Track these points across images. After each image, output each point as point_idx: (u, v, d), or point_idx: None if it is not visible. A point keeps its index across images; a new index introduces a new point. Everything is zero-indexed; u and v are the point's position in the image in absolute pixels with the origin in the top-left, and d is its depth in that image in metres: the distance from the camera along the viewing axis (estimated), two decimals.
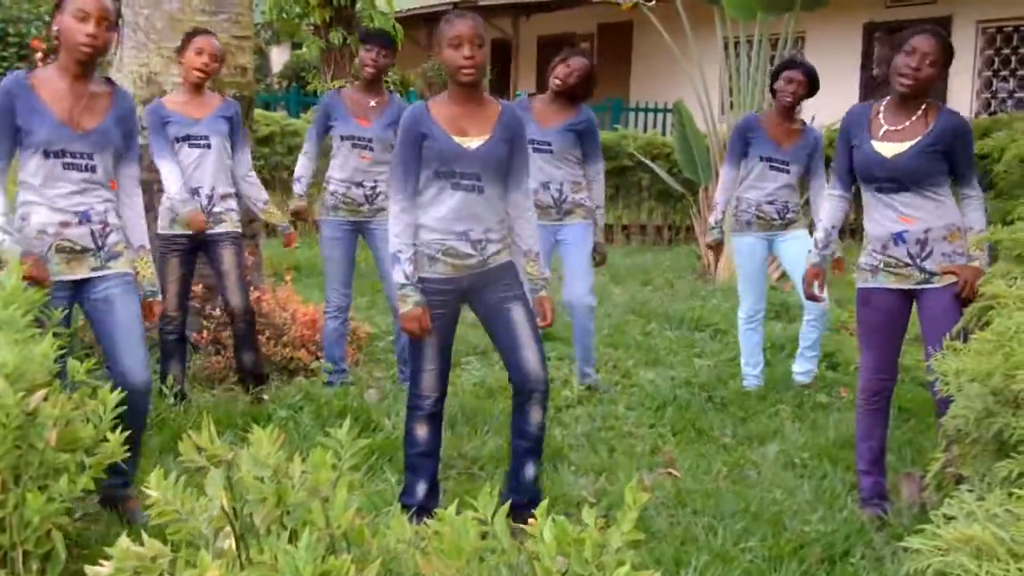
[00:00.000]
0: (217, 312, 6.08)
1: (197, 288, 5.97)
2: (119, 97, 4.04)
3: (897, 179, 4.21)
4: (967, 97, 14.20)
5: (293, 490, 1.89)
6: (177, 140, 5.43)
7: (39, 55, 10.52)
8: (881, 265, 4.32)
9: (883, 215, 4.29)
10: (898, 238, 4.25)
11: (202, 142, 5.45)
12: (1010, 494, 1.88)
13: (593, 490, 4.59)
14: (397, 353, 6.20)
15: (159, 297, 4.29)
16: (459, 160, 3.94)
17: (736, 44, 10.29)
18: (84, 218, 3.94)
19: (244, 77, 6.44)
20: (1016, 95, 14.37)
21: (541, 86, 20.94)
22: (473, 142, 3.97)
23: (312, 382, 6.00)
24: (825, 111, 9.62)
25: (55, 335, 2.95)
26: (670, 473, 4.84)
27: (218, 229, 5.53)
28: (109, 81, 4.08)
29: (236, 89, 6.25)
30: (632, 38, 19.45)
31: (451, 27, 3.90)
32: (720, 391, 6.17)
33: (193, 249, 5.56)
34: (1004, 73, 14.47)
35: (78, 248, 3.95)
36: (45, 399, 2.59)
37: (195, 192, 5.45)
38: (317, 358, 6.32)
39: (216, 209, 5.51)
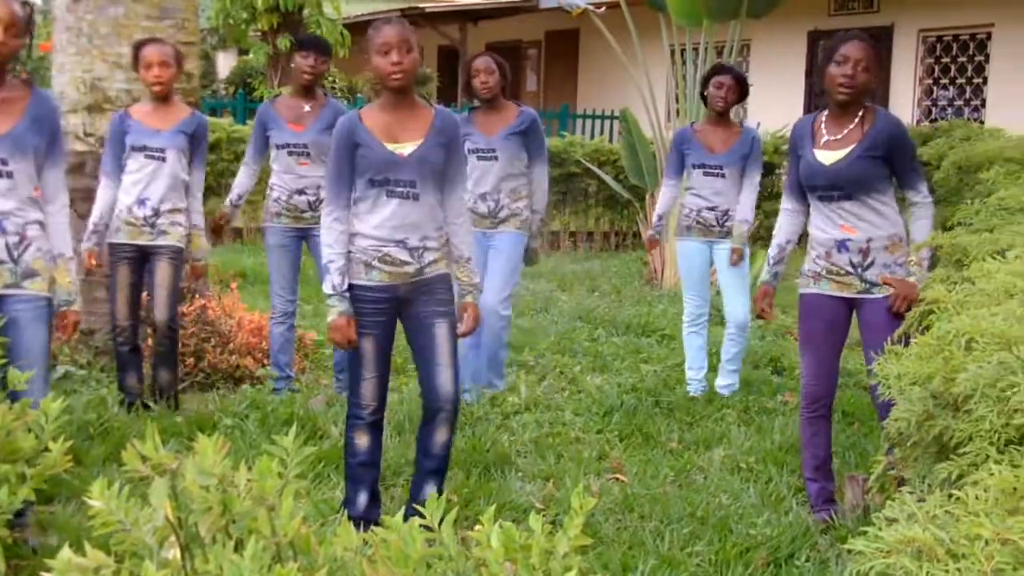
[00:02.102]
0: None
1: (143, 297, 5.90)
2: (37, 99, 3.90)
3: (838, 186, 4.24)
4: (908, 105, 14.39)
5: (239, 499, 1.87)
6: (134, 149, 5.39)
7: None
8: (824, 272, 4.35)
9: (826, 223, 4.33)
10: (841, 246, 4.28)
11: (157, 155, 5.41)
12: (950, 495, 1.91)
13: (540, 496, 4.60)
14: (335, 363, 6.17)
15: (75, 307, 4.10)
16: (393, 167, 3.93)
17: (682, 51, 10.36)
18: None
19: (190, 83, 6.39)
20: (956, 103, 14.59)
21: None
22: (406, 148, 3.95)
23: (258, 390, 5.96)
24: (770, 118, 9.77)
25: None
26: (617, 478, 4.86)
27: (160, 241, 5.47)
28: (27, 83, 3.94)
29: (182, 95, 6.19)
30: (579, 45, 19.53)
31: (378, 34, 3.90)
32: (667, 396, 6.21)
33: (142, 258, 5.51)
34: (944, 81, 14.68)
35: None
36: None
37: (141, 203, 5.40)
38: (263, 365, 6.28)
39: (160, 221, 5.45)
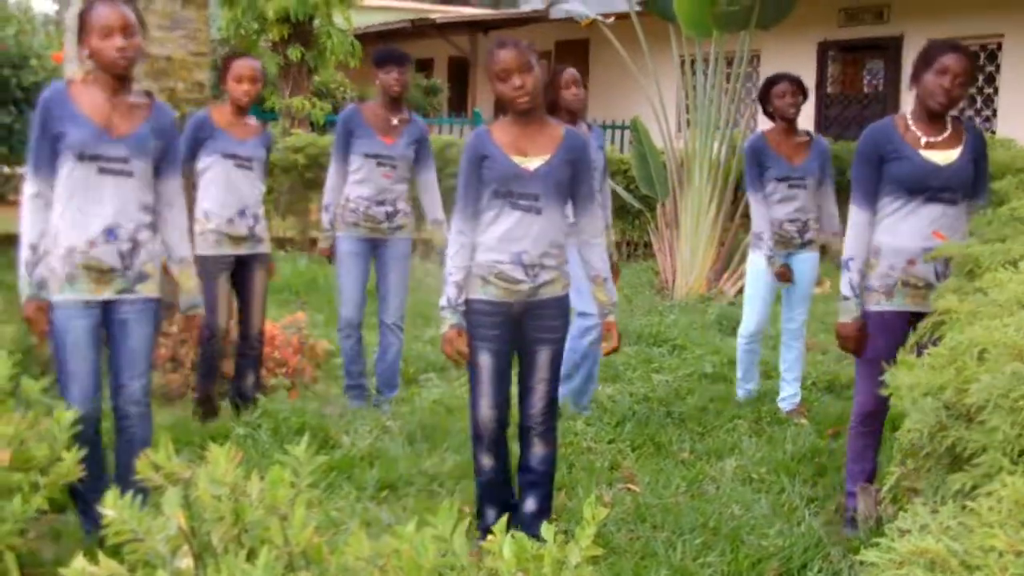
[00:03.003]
0: (175, 329, 6.02)
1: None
2: (158, 109, 4.01)
3: (953, 187, 4.17)
4: None
5: (251, 508, 1.88)
6: (224, 155, 5.47)
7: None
8: (899, 284, 4.21)
9: (914, 228, 4.19)
10: (927, 253, 4.13)
11: (247, 164, 5.51)
12: (963, 507, 1.90)
13: (552, 506, 4.59)
14: (377, 373, 6.14)
15: (199, 310, 4.26)
16: (517, 180, 3.92)
17: (692, 62, 10.37)
18: (111, 236, 3.88)
19: (201, 93, 6.41)
20: (966, 113, 14.57)
21: (500, 104, 21.04)
22: (532, 163, 3.94)
23: (271, 399, 5.96)
24: None
25: (10, 354, 2.92)
26: (629, 488, 4.85)
27: (259, 250, 5.62)
28: (148, 95, 4.05)
29: (194, 105, 6.22)
30: (589, 56, 19.55)
31: (495, 60, 3.89)
32: (678, 406, 6.20)
33: (239, 266, 5.64)
34: None
35: (104, 267, 3.87)
36: None
37: (242, 212, 5.52)
38: (276, 375, 6.28)
39: (258, 230, 5.59)
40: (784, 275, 6.03)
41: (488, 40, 21.07)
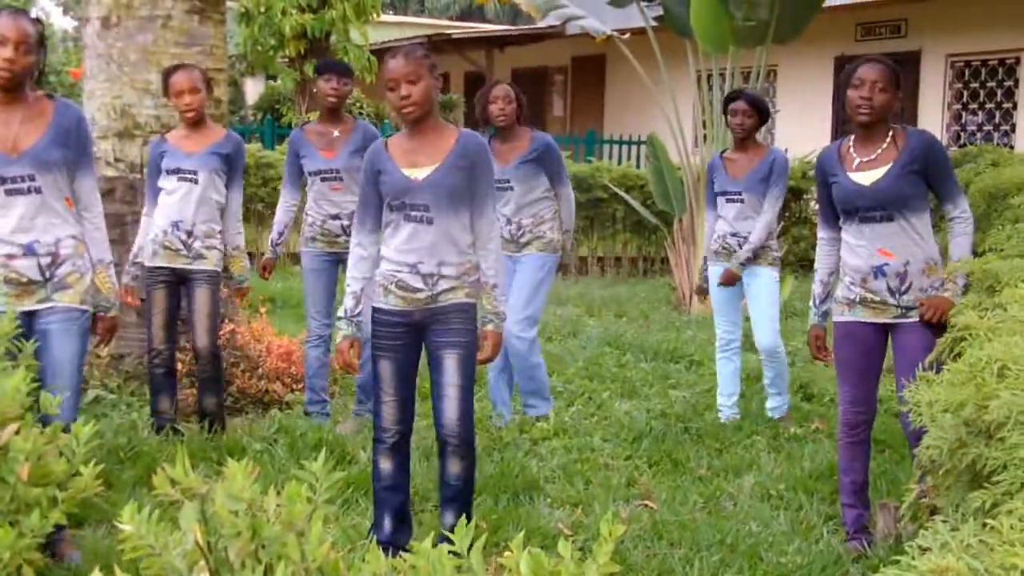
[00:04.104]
0: (189, 345, 6.04)
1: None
2: (59, 111, 3.95)
3: (881, 205, 4.22)
4: (937, 130, 14.35)
5: (268, 524, 1.87)
6: (168, 172, 5.44)
7: None
8: (858, 299, 4.33)
9: (862, 249, 4.30)
10: (878, 272, 4.26)
11: (190, 176, 5.45)
12: (984, 524, 1.89)
13: (569, 522, 4.58)
14: (357, 383, 6.16)
15: (112, 313, 4.18)
16: (408, 192, 3.97)
17: (709, 77, 10.37)
18: (29, 250, 3.86)
19: (218, 109, 6.44)
20: (984, 128, 14.53)
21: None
22: (421, 172, 3.97)
23: (287, 415, 5.97)
24: (797, 144, 9.73)
25: (27, 368, 2.93)
26: (646, 505, 4.84)
27: (196, 266, 5.51)
28: (50, 97, 4.00)
29: (211, 121, 6.24)
30: (605, 71, 19.60)
31: (385, 69, 3.95)
32: (696, 422, 6.18)
33: (178, 282, 5.56)
34: (973, 106, 14.64)
35: (24, 280, 3.87)
36: (17, 433, 2.57)
37: (175, 225, 5.44)
38: (292, 390, 6.29)
39: (196, 245, 5.49)
40: (700, 290, 6.43)
41: (504, 56, 21.15)
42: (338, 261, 5.96)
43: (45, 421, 3.51)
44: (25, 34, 3.78)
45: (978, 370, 2.52)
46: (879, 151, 4.26)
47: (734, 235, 6.11)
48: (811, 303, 4.62)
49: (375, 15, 16.64)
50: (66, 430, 3.83)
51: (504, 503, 4.76)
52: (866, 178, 4.25)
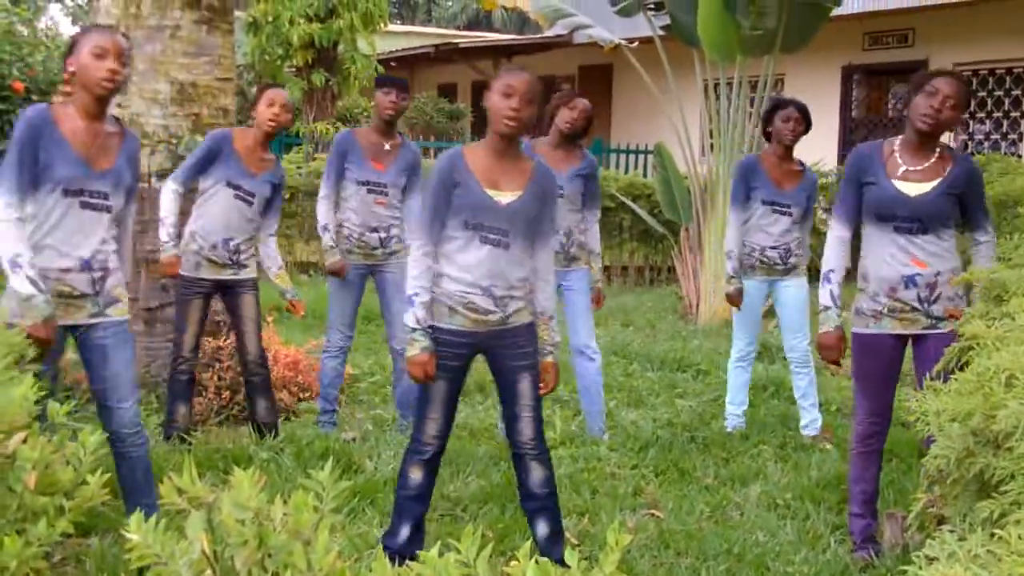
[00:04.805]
0: (200, 355, 6.05)
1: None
2: (128, 137, 4.08)
3: (919, 219, 4.19)
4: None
5: (274, 533, 1.87)
6: (227, 183, 5.45)
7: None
8: (886, 310, 4.27)
9: (895, 257, 4.25)
10: (910, 281, 4.21)
11: (247, 197, 5.49)
12: (992, 535, 1.88)
13: (576, 531, 4.58)
14: (396, 397, 6.15)
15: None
16: (489, 214, 3.89)
17: (716, 86, 10.38)
18: (86, 265, 3.94)
19: (226, 119, 6.46)
20: (992, 137, 14.51)
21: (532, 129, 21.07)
22: (505, 197, 3.92)
23: (294, 424, 5.97)
24: (805, 152, 9.67)
25: (35, 376, 2.93)
26: (653, 514, 4.83)
27: (242, 275, 5.58)
28: (117, 120, 4.11)
29: None
30: (613, 80, 19.61)
31: (508, 76, 3.88)
32: (702, 432, 6.17)
33: (212, 294, 5.60)
34: (981, 115, 14.62)
35: (76, 294, 3.94)
36: (24, 441, 2.57)
37: (226, 242, 5.49)
38: (299, 399, 6.29)
39: (242, 257, 5.56)
40: (732, 298, 6.10)
41: (512, 65, 21.17)
42: (369, 273, 5.96)
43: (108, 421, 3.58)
44: (122, 48, 3.88)
45: (986, 379, 2.52)
46: (927, 164, 4.23)
47: (774, 248, 6.04)
48: (828, 305, 4.40)
49: (382, 25, 16.64)
50: (135, 436, 4.05)
51: (511, 512, 4.76)
52: (911, 189, 4.20)
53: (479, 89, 21.83)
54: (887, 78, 16.01)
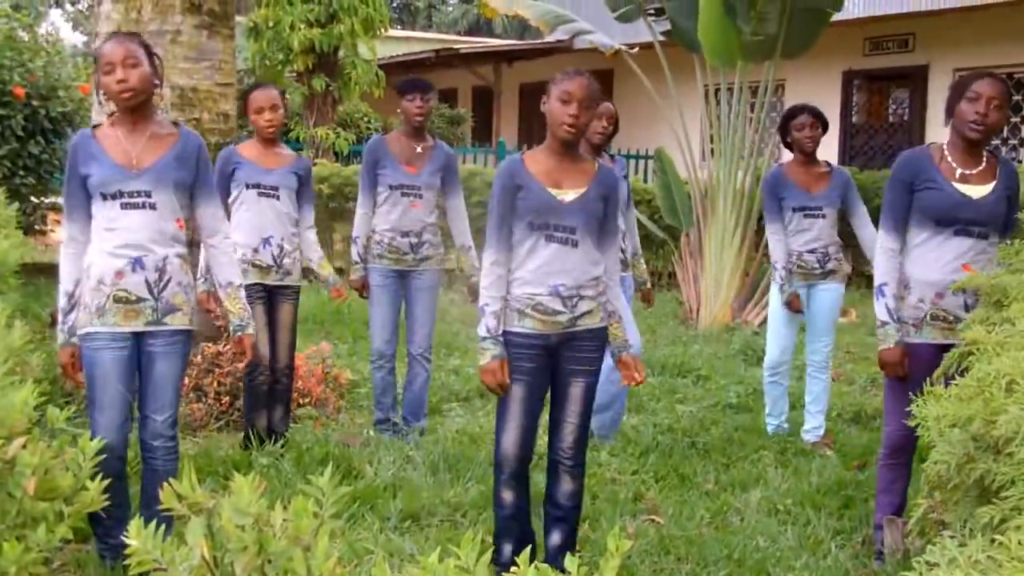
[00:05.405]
0: (199, 359, 6.05)
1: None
2: (183, 138, 4.03)
3: (983, 222, 4.13)
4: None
5: (274, 538, 1.87)
6: (248, 185, 5.48)
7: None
8: (928, 317, 4.18)
9: (943, 261, 4.16)
10: (954, 284, 4.10)
11: (271, 192, 5.51)
12: (992, 540, 1.88)
13: (576, 537, 4.57)
14: (404, 403, 6.13)
15: (249, 331, 4.24)
16: (554, 212, 3.90)
17: (716, 91, 10.38)
18: (138, 264, 3.90)
19: (227, 123, 6.46)
20: (993, 143, 14.52)
21: (524, 133, 21.04)
22: (568, 195, 3.92)
23: (293, 429, 5.97)
24: None
25: (36, 382, 2.93)
26: (653, 520, 4.82)
27: (286, 282, 5.63)
28: (175, 124, 4.10)
29: (219, 136, 6.27)
30: (613, 86, 19.60)
31: (566, 81, 3.87)
32: (703, 437, 6.16)
33: (266, 298, 5.62)
34: None
35: (133, 298, 3.90)
36: (24, 447, 2.57)
37: (266, 242, 5.51)
38: (299, 405, 6.29)
39: (286, 262, 5.59)
40: (794, 304, 6.02)
41: (512, 70, 21.17)
42: (401, 278, 5.95)
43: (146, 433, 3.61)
44: (130, 53, 3.84)
45: (986, 385, 2.52)
46: (980, 167, 4.19)
47: (811, 252, 6.02)
48: (886, 320, 4.21)
49: (383, 30, 16.66)
50: (164, 450, 4.02)
51: None
52: (973, 191, 4.15)
53: (479, 94, 21.80)
54: (888, 83, 16.01)
